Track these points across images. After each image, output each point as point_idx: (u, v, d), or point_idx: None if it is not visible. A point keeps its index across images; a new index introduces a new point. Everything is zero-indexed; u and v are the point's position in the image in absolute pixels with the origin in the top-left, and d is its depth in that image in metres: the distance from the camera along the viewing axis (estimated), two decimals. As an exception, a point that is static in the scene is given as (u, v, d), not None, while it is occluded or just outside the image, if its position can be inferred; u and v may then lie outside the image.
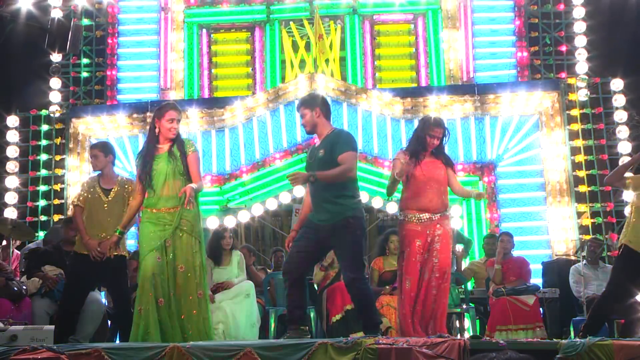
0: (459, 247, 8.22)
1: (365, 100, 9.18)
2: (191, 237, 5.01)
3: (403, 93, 9.38)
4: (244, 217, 9.20)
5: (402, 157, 5.28)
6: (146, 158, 5.11)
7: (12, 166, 9.71)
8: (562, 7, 10.56)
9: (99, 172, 5.94)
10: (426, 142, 5.32)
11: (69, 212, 9.25)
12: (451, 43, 10.52)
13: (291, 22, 10.88)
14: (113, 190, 5.77)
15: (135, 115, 9.41)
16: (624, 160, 9.25)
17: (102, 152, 5.89)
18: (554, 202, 9.07)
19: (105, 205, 5.72)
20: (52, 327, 4.86)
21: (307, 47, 10.75)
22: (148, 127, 5.30)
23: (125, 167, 9.13)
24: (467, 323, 7.25)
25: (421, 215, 5.23)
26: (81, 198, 5.82)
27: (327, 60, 10.24)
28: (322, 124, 5.16)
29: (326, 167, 4.96)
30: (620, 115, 9.52)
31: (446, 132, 5.40)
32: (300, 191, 8.26)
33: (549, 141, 9.23)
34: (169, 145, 5.13)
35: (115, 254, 5.56)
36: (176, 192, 4.99)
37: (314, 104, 5.17)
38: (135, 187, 5.29)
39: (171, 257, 4.94)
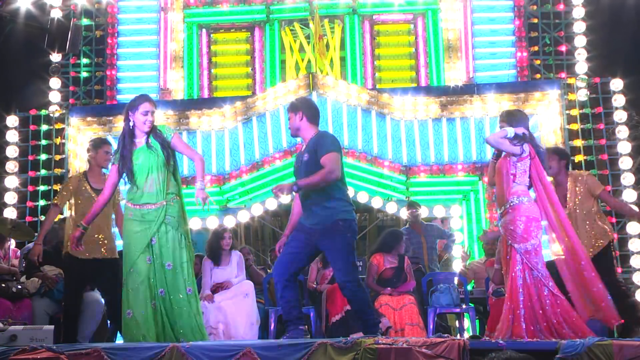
0: (441, 243, 8.23)
1: (364, 101, 9.18)
2: (177, 233, 4.89)
3: (402, 93, 9.37)
4: (243, 217, 9.19)
5: None
6: (124, 153, 4.93)
7: (11, 166, 9.71)
8: (561, 7, 10.56)
9: (86, 170, 5.93)
10: None
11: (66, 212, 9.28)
12: (451, 43, 10.51)
13: (294, 23, 10.89)
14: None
15: (134, 115, 9.39)
16: (623, 160, 9.26)
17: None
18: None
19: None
20: (52, 327, 4.86)
21: (308, 47, 10.77)
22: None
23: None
24: (466, 323, 7.26)
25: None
26: (62, 198, 5.82)
27: (331, 62, 10.22)
28: (305, 127, 5.15)
29: (311, 170, 4.98)
30: (620, 115, 9.51)
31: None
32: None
33: (548, 141, 9.22)
34: (145, 138, 4.98)
35: (107, 257, 5.57)
36: (160, 185, 4.88)
37: (298, 107, 5.18)
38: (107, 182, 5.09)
39: (158, 254, 4.83)
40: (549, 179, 5.52)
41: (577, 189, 5.83)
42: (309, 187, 4.97)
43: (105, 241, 5.74)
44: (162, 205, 4.87)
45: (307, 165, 5.02)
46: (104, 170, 5.95)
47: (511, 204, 5.09)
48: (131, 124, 4.96)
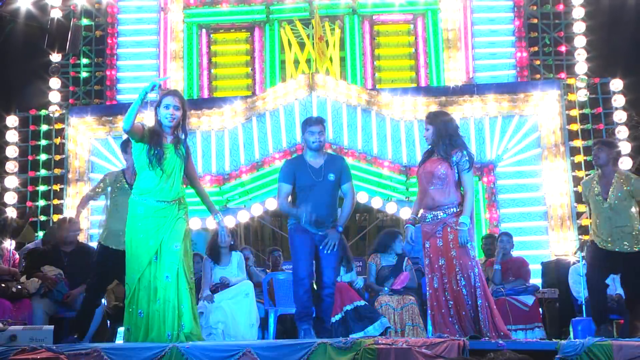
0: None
1: (364, 101, 9.18)
2: (185, 223, 5.00)
3: (402, 93, 9.37)
4: (243, 217, 9.19)
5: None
6: (158, 147, 4.92)
7: (11, 166, 9.71)
8: (561, 7, 10.55)
9: (124, 167, 5.96)
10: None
11: (66, 212, 9.29)
12: (450, 44, 10.51)
13: (291, 22, 10.89)
14: None
15: (134, 115, 9.40)
16: (623, 160, 9.26)
17: None
18: (553, 202, 9.08)
19: None
20: (52, 327, 4.86)
21: (308, 47, 10.77)
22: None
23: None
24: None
25: (427, 214, 5.18)
26: (98, 190, 5.90)
27: (327, 69, 10.21)
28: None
29: (334, 191, 5.56)
30: (620, 116, 9.52)
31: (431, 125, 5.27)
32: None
33: (548, 142, 9.23)
34: (173, 138, 5.02)
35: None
36: (177, 185, 4.97)
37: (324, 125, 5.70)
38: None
39: (168, 239, 4.89)
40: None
41: (624, 188, 5.87)
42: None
43: None
44: (176, 202, 4.96)
45: (333, 186, 5.52)
46: None
47: (457, 209, 5.13)
48: (158, 118, 5.01)
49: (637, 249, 5.79)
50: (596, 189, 5.96)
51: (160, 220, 4.90)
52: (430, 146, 5.31)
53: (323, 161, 5.55)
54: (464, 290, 4.96)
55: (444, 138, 5.18)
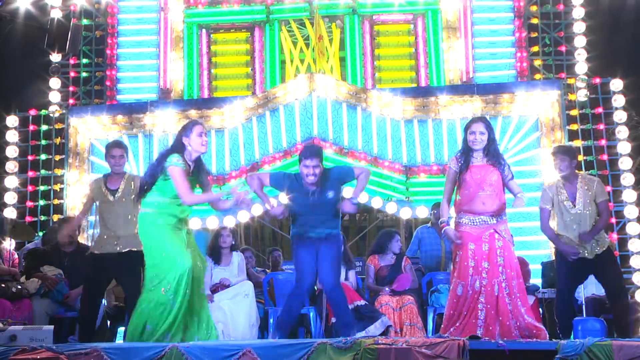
0: None
1: (364, 101, 9.18)
2: (192, 237, 5.15)
3: (402, 93, 9.37)
4: (243, 217, 9.18)
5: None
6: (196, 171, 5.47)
7: (11, 166, 9.71)
8: (561, 7, 10.55)
9: (108, 172, 6.00)
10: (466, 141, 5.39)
11: (69, 212, 9.29)
12: (451, 43, 10.52)
13: (291, 22, 10.89)
14: (120, 189, 5.84)
15: (134, 116, 9.41)
16: (623, 160, 9.27)
17: (126, 153, 5.99)
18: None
19: (114, 206, 5.81)
20: (52, 327, 4.87)
21: (307, 47, 10.77)
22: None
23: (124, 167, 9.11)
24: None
25: (475, 218, 5.22)
26: (89, 200, 6.04)
27: (326, 67, 10.21)
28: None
29: (334, 205, 5.55)
30: (620, 116, 9.51)
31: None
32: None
33: (548, 141, 9.23)
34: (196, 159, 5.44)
35: (132, 250, 5.62)
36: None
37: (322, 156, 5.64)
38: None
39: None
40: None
41: (589, 192, 5.91)
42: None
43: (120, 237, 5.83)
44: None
45: (333, 202, 5.55)
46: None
47: (505, 217, 5.37)
48: (188, 147, 5.42)
49: (601, 251, 5.85)
50: (563, 194, 5.97)
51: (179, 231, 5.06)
52: (475, 149, 5.36)
53: (319, 182, 5.54)
54: (506, 299, 5.03)
55: (496, 146, 5.44)
